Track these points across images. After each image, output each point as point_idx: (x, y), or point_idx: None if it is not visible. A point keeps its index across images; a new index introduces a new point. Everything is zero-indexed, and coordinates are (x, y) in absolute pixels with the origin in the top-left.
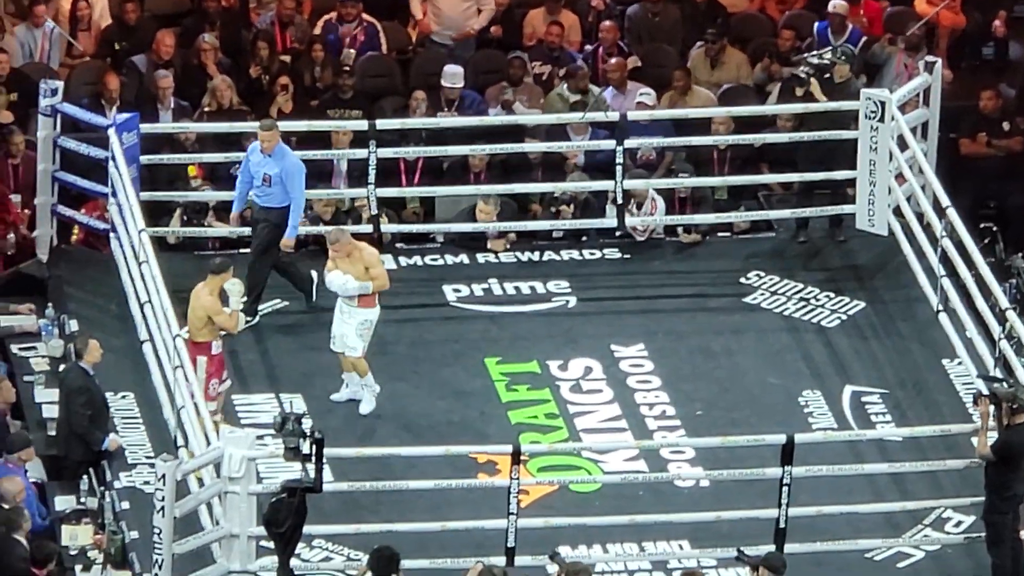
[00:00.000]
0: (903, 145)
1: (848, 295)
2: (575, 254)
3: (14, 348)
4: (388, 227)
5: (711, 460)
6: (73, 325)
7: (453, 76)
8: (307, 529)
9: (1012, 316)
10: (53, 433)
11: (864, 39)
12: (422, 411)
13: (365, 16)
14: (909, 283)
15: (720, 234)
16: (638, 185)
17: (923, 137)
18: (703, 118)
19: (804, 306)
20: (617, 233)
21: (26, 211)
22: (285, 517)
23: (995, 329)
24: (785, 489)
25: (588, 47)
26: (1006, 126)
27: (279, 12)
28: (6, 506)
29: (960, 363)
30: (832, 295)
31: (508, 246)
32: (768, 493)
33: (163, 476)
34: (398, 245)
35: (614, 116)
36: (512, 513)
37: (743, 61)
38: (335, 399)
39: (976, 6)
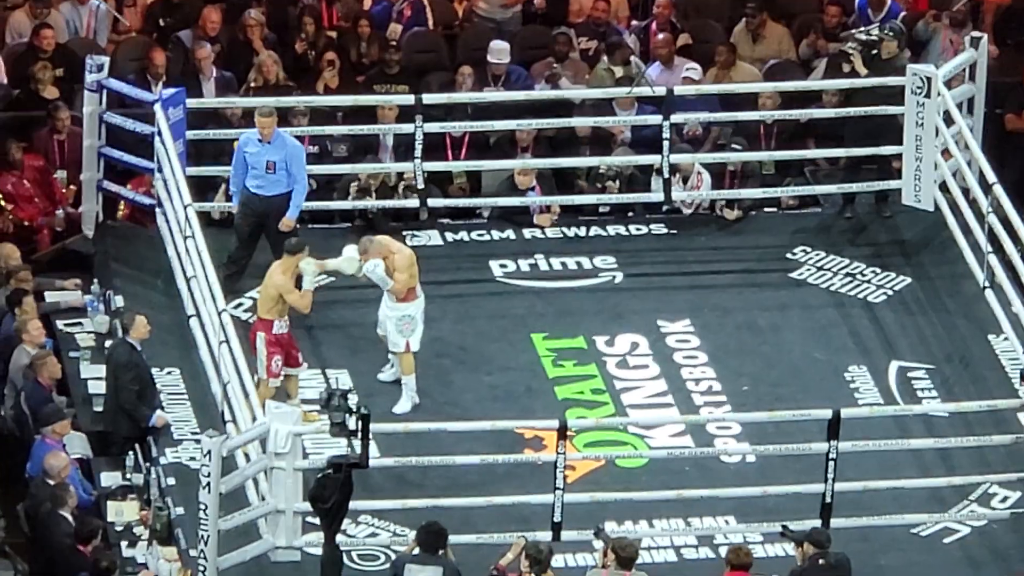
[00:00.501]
0: (949, 121)
1: (894, 271)
2: (621, 229)
3: (60, 324)
4: (434, 202)
5: (757, 435)
6: (119, 301)
7: (499, 52)
8: (353, 505)
9: None
10: (99, 409)
11: (903, 14)
12: (468, 386)
13: None
14: (955, 259)
15: (767, 209)
16: (684, 160)
17: (969, 113)
18: (749, 93)
19: (850, 281)
20: (664, 208)
21: (72, 187)
22: (331, 493)
23: None
24: (831, 464)
25: (635, 22)
26: None
27: None
28: (51, 482)
29: (1006, 339)
30: (878, 271)
31: (555, 219)
32: (814, 468)
33: (209, 452)
34: (444, 220)
35: (660, 91)
36: (558, 488)
37: (784, 35)
38: (381, 379)
39: None
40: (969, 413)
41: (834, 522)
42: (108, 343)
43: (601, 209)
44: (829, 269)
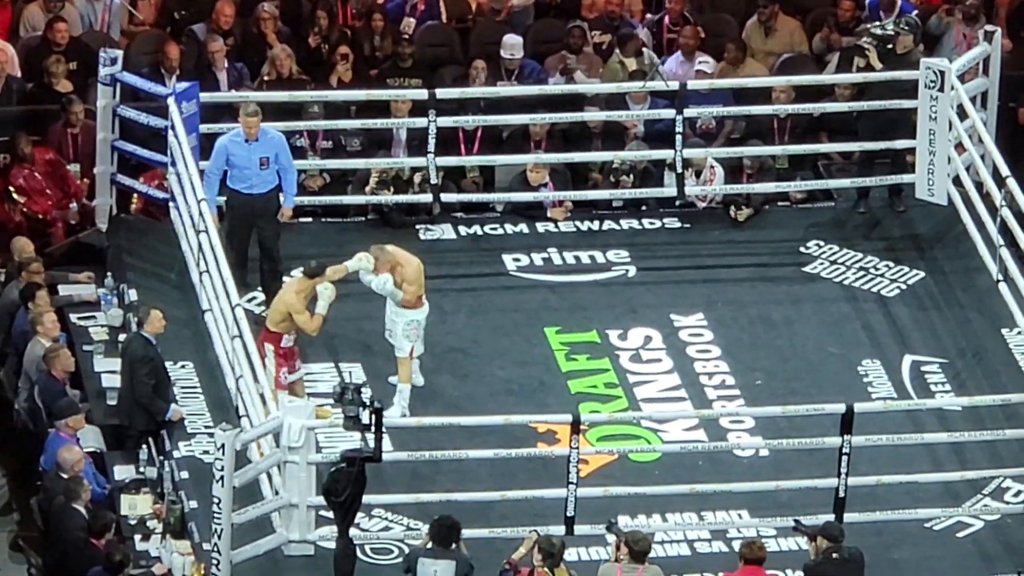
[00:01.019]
0: (963, 115)
1: (907, 265)
2: (635, 223)
3: (73, 318)
4: (448, 196)
5: (770, 429)
6: (132, 295)
7: (513, 46)
8: (366, 499)
9: None
10: (113, 403)
11: (915, 11)
12: (481, 380)
13: None
14: (968, 253)
15: (780, 203)
16: (697, 154)
17: (982, 107)
18: (762, 88)
19: (863, 275)
20: (677, 203)
21: (85, 180)
22: (344, 487)
23: None
24: (844, 458)
25: (649, 16)
26: None
27: None
28: (64, 476)
29: (1019, 333)
30: (891, 265)
31: (568, 214)
32: (827, 462)
33: (222, 446)
34: (457, 214)
35: (674, 85)
36: (572, 482)
37: (796, 28)
38: (392, 381)
39: None
40: (982, 407)
41: (847, 516)
42: (122, 337)
43: (614, 203)
44: (842, 263)
